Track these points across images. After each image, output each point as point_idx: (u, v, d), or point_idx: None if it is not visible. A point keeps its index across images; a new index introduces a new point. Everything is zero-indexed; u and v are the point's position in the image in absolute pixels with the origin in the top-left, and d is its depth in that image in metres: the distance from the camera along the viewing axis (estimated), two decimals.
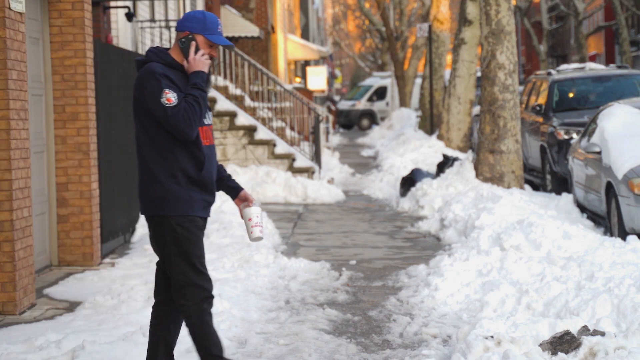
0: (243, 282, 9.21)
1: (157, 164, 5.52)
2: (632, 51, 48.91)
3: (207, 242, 11.46)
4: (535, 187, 17.02)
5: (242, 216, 5.72)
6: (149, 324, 5.78)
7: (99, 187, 10.95)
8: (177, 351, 6.82)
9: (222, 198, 13.67)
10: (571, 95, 17.32)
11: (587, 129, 13.39)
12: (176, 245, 5.49)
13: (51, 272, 10.18)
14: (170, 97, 5.40)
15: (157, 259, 5.75)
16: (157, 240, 5.58)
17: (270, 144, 18.41)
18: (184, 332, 7.25)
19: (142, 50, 16.90)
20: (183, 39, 5.57)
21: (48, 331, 7.05)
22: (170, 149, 5.48)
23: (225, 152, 18.29)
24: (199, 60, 5.51)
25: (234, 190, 5.77)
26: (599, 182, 11.93)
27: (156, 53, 5.60)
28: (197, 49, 5.53)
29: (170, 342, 5.73)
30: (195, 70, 5.51)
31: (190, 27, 5.56)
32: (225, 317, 7.67)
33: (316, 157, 19.38)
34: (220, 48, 20.07)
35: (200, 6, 23.68)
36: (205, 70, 5.52)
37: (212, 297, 5.56)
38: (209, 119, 5.62)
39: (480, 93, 15.94)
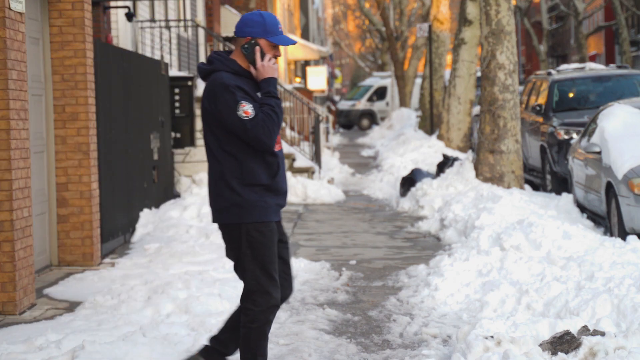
0: None
1: (231, 172, 5.43)
2: (632, 51, 48.91)
3: (207, 242, 11.47)
4: (535, 187, 17.02)
5: None
6: (233, 317, 5.85)
7: (99, 187, 10.95)
8: (177, 351, 6.83)
9: None
10: (571, 95, 17.32)
11: (587, 129, 13.39)
12: (251, 250, 5.47)
13: (51, 272, 10.18)
14: (247, 110, 5.32)
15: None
16: (232, 247, 5.55)
17: None
18: (183, 331, 7.26)
19: (142, 50, 16.91)
20: (246, 45, 5.45)
21: (48, 331, 7.05)
22: (244, 158, 5.42)
23: None
24: (268, 67, 5.42)
25: None
26: (599, 182, 11.93)
27: (222, 61, 5.49)
28: (262, 54, 5.44)
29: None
30: (265, 78, 5.42)
31: (252, 32, 5.46)
32: (225, 317, 7.66)
33: (316, 157, 19.38)
34: (221, 48, 20.08)
35: (200, 6, 23.69)
36: (275, 75, 5.45)
37: (278, 306, 5.57)
38: None
39: (480, 93, 15.94)
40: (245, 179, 5.42)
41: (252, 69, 5.48)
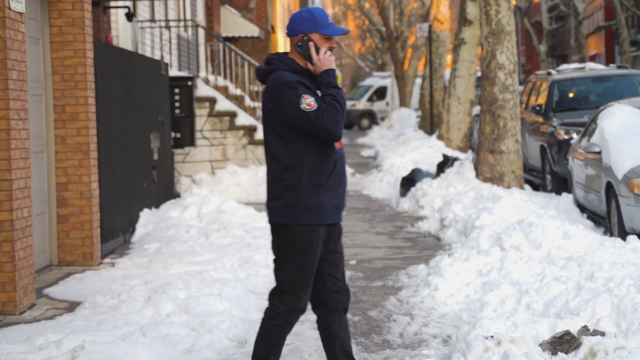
0: (243, 282, 9.20)
1: (291, 171, 5.40)
2: (632, 51, 48.91)
3: (207, 242, 11.47)
4: (535, 187, 17.02)
5: None
6: (321, 338, 5.75)
7: (99, 187, 10.95)
8: (177, 351, 6.83)
9: (221, 198, 13.68)
10: (571, 95, 17.32)
11: (587, 129, 13.39)
12: (293, 251, 5.45)
13: (51, 272, 10.18)
14: (310, 102, 5.31)
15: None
16: (277, 242, 5.54)
17: None
18: (183, 331, 7.26)
19: (142, 50, 16.91)
20: (299, 43, 5.48)
21: (48, 331, 7.04)
22: (305, 156, 5.38)
23: (225, 152, 18.29)
24: (324, 60, 5.42)
25: None
26: (599, 182, 11.93)
27: (281, 60, 5.52)
28: (317, 49, 5.45)
29: (347, 348, 5.70)
30: (324, 70, 5.41)
31: (302, 28, 5.49)
32: (225, 317, 7.67)
33: None
34: (221, 48, 20.08)
35: (200, 6, 23.69)
36: (333, 66, 5.43)
37: (303, 311, 5.54)
38: None
39: (480, 93, 15.94)
40: (303, 178, 5.38)
41: (309, 66, 5.48)
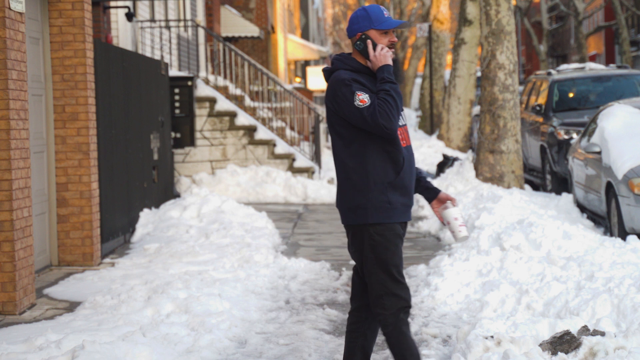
0: (243, 282, 9.20)
1: (355, 171, 5.37)
2: (632, 51, 48.92)
3: (207, 242, 11.47)
4: (535, 187, 17.02)
5: (441, 217, 5.55)
6: (346, 330, 5.69)
7: (99, 187, 10.95)
8: (177, 351, 6.83)
9: (221, 198, 13.68)
10: (571, 95, 17.33)
11: (587, 129, 13.39)
12: (374, 254, 5.39)
13: (51, 272, 10.18)
14: (363, 99, 5.29)
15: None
16: (356, 248, 5.50)
17: (270, 144, 18.41)
18: (183, 331, 7.26)
19: (142, 50, 16.91)
20: (358, 42, 5.46)
21: (48, 331, 7.04)
22: (368, 155, 5.35)
23: (225, 152, 18.29)
24: (380, 55, 5.38)
25: (432, 192, 5.60)
26: (599, 182, 11.93)
27: (342, 60, 5.51)
28: (375, 46, 5.42)
29: (367, 349, 5.63)
30: (379, 67, 5.39)
31: (359, 27, 5.46)
32: (225, 317, 7.67)
33: (316, 157, 19.38)
34: (221, 48, 20.08)
35: (200, 6, 23.69)
36: (389, 62, 5.39)
37: (409, 306, 5.45)
38: (402, 120, 5.47)
39: (480, 93, 15.94)
40: (369, 178, 5.34)
41: (369, 63, 5.47)
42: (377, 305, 5.42)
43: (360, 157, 5.35)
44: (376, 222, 5.35)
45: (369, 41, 5.43)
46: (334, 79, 5.42)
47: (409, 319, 7.82)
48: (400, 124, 5.39)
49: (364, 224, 5.37)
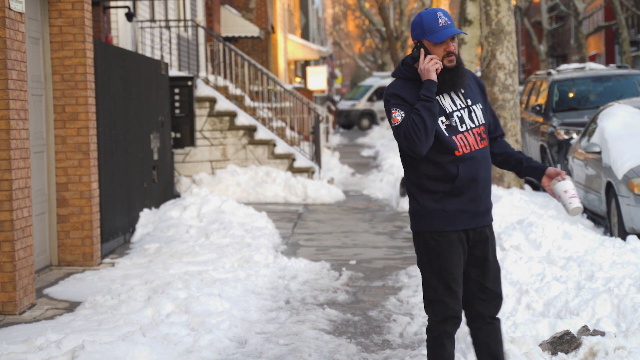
0: (243, 282, 9.21)
1: (411, 180, 5.32)
2: (632, 51, 48.91)
3: (207, 242, 11.47)
4: (535, 187, 17.02)
5: (552, 192, 5.37)
6: (472, 343, 5.57)
7: (99, 187, 10.95)
8: (177, 351, 6.83)
9: (221, 198, 13.68)
10: (571, 95, 17.33)
11: (587, 129, 13.39)
12: (428, 258, 5.32)
13: (51, 272, 10.18)
14: (396, 117, 5.18)
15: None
16: (415, 249, 5.45)
17: (270, 144, 18.41)
18: (183, 331, 7.27)
19: (142, 50, 16.91)
20: (414, 49, 5.32)
21: (48, 331, 7.05)
22: (419, 165, 5.25)
23: (225, 152, 18.29)
24: (424, 69, 5.18)
25: (539, 170, 5.40)
26: (599, 182, 11.93)
27: (399, 68, 5.37)
28: (427, 54, 5.23)
29: (496, 354, 5.50)
30: (424, 80, 5.21)
31: (415, 35, 5.28)
32: (225, 317, 7.67)
33: (316, 157, 19.38)
34: (221, 48, 20.09)
35: (200, 6, 23.69)
36: (431, 77, 5.17)
37: (457, 318, 5.31)
38: (470, 123, 5.24)
39: None
40: (422, 186, 5.26)
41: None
42: (428, 310, 5.37)
43: (413, 166, 5.28)
44: (430, 229, 5.27)
45: (422, 50, 5.24)
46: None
47: (409, 319, 7.85)
48: (461, 129, 5.22)
49: (420, 230, 5.32)
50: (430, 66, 5.18)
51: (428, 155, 5.20)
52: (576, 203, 5.16)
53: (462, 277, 5.32)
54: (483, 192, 5.27)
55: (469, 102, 5.26)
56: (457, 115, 5.23)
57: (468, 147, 5.22)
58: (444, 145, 5.19)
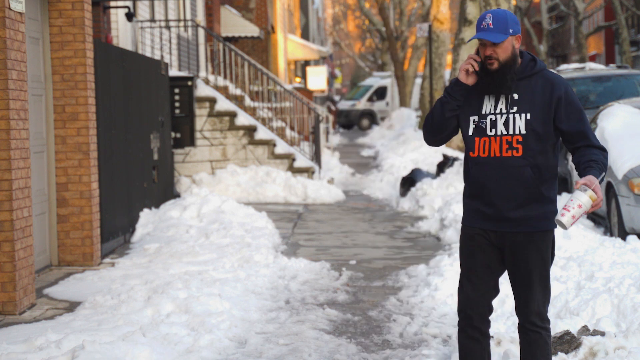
0: (243, 282, 9.21)
1: None
2: (632, 51, 48.91)
3: (207, 242, 11.47)
4: None
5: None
6: None
7: (99, 187, 10.95)
8: (177, 351, 6.83)
9: (221, 198, 13.68)
10: None
11: None
12: (459, 249, 5.45)
13: (51, 272, 10.18)
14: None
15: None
16: None
17: (270, 144, 18.42)
18: (183, 331, 7.27)
19: (142, 50, 16.91)
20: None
21: (48, 331, 7.04)
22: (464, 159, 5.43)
23: (225, 152, 18.29)
24: (460, 68, 5.28)
25: (584, 175, 5.16)
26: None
27: None
28: (478, 53, 5.27)
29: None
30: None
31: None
32: (225, 317, 7.67)
33: (316, 157, 19.38)
34: (221, 48, 20.08)
35: (200, 6, 23.69)
36: (460, 77, 5.23)
37: (463, 313, 5.29)
38: (503, 130, 5.16)
39: None
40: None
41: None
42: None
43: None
44: (462, 221, 5.40)
45: (476, 48, 5.32)
46: None
47: (409, 319, 7.85)
48: (489, 133, 5.19)
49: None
50: (464, 65, 5.23)
51: (465, 150, 5.34)
52: (558, 216, 5.02)
53: (484, 275, 5.27)
54: (500, 199, 5.19)
55: (513, 110, 5.17)
56: (490, 119, 5.19)
57: (486, 152, 5.20)
58: (465, 143, 5.28)
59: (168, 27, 18.13)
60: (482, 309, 5.28)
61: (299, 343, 7.22)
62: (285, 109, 21.45)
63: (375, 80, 54.80)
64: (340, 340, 7.39)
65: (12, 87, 8.21)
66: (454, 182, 15.01)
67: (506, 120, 5.16)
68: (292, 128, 21.17)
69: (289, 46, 40.96)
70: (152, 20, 17.91)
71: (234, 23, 27.88)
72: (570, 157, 13.84)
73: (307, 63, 49.78)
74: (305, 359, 6.85)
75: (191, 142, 16.94)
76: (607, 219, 11.75)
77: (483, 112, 5.21)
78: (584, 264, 8.47)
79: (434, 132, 5.32)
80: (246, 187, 17.35)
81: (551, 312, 7.43)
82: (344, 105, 53.85)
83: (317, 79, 43.35)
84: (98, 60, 10.93)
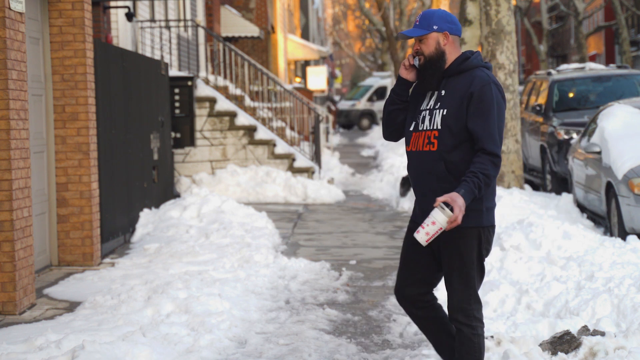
0: (243, 282, 9.21)
1: None
2: (632, 51, 48.92)
3: (207, 242, 11.47)
4: (535, 187, 17.02)
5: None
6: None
7: (99, 187, 10.95)
8: (177, 351, 6.83)
9: (221, 198, 13.68)
10: (571, 95, 17.33)
11: (587, 129, 13.39)
12: None
13: (51, 272, 10.18)
14: None
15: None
16: None
17: (270, 144, 18.42)
18: (183, 331, 7.27)
19: (142, 50, 16.91)
20: None
21: (48, 331, 7.04)
22: None
23: (225, 152, 18.29)
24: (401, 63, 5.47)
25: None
26: (599, 182, 11.93)
27: None
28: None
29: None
30: None
31: None
32: (225, 317, 7.67)
33: (316, 157, 19.38)
34: (221, 48, 20.08)
35: (200, 6, 23.69)
36: (400, 72, 5.42)
37: (401, 299, 5.61)
38: (428, 125, 5.28)
39: None
40: None
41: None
42: None
43: None
44: None
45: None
46: None
47: (409, 319, 7.84)
48: (420, 128, 5.31)
49: None
50: (404, 63, 5.40)
51: None
52: (415, 233, 5.17)
53: (418, 264, 5.49)
54: (422, 193, 5.35)
55: (437, 106, 5.30)
56: (423, 115, 5.36)
57: (415, 147, 5.37)
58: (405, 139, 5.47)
59: (168, 27, 18.13)
60: (414, 295, 5.57)
61: (299, 343, 7.22)
62: (285, 109, 21.45)
63: (375, 80, 54.80)
64: (340, 340, 7.39)
65: (12, 87, 8.21)
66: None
67: (430, 117, 5.31)
68: (292, 128, 21.17)
69: (289, 46, 40.95)
70: (152, 20, 17.90)
71: (234, 23, 27.88)
72: (570, 157, 13.83)
73: (307, 63, 49.80)
74: (305, 359, 6.85)
75: (191, 142, 16.93)
76: (607, 219, 11.75)
77: (421, 108, 5.39)
78: (584, 264, 8.47)
79: (385, 126, 5.54)
80: (246, 187, 17.35)
81: (551, 312, 7.43)
82: (344, 105, 53.86)
83: (317, 79, 43.36)
84: (98, 60, 10.93)
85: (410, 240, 5.46)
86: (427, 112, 5.31)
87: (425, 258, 5.46)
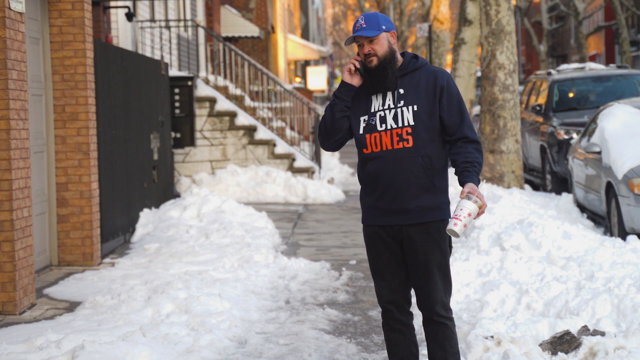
0: (243, 282, 9.21)
1: None
2: (632, 51, 48.92)
3: (207, 242, 11.47)
4: (535, 187, 17.02)
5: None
6: None
7: (99, 187, 10.95)
8: (177, 351, 6.83)
9: (221, 198, 13.68)
10: (571, 95, 17.34)
11: (587, 129, 13.39)
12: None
13: (51, 272, 10.18)
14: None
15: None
16: None
17: (270, 144, 18.41)
18: (183, 331, 7.27)
19: (142, 50, 16.91)
20: None
21: (48, 331, 7.05)
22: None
23: (225, 152, 18.29)
24: (343, 69, 5.45)
25: (462, 183, 5.26)
26: (599, 182, 11.93)
27: None
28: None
29: (433, 356, 5.56)
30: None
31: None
32: (225, 317, 7.67)
33: (316, 157, 19.38)
34: (221, 48, 20.08)
35: (200, 6, 23.69)
36: (344, 77, 5.41)
37: (385, 310, 5.57)
38: (392, 124, 5.27)
39: (480, 93, 15.94)
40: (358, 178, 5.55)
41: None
42: None
43: None
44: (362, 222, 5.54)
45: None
46: None
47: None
48: (379, 129, 5.31)
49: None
50: (345, 66, 5.40)
51: (358, 151, 5.45)
52: (451, 225, 5.10)
53: (391, 269, 5.44)
54: (396, 191, 5.31)
55: (401, 104, 5.31)
56: (379, 115, 5.34)
57: (378, 147, 5.33)
58: (357, 142, 5.40)
59: (168, 27, 18.13)
60: (399, 302, 5.51)
61: (299, 343, 7.22)
62: (285, 109, 21.45)
63: None
64: (340, 340, 7.39)
65: (12, 87, 8.21)
66: (454, 182, 14.99)
67: (395, 115, 5.31)
68: (292, 128, 21.17)
69: (289, 46, 40.95)
70: (152, 20, 17.90)
71: (234, 23, 27.88)
72: (570, 157, 13.84)
73: (307, 63, 49.79)
74: (305, 359, 6.85)
75: (191, 142, 16.94)
76: (607, 219, 11.75)
77: (372, 110, 5.36)
78: (584, 264, 8.47)
79: (327, 136, 5.44)
80: (246, 187, 17.35)
81: (551, 312, 7.43)
82: None
83: (317, 79, 43.37)
84: (98, 60, 10.93)
85: (376, 250, 5.43)
86: (387, 111, 5.31)
87: (394, 265, 5.44)
